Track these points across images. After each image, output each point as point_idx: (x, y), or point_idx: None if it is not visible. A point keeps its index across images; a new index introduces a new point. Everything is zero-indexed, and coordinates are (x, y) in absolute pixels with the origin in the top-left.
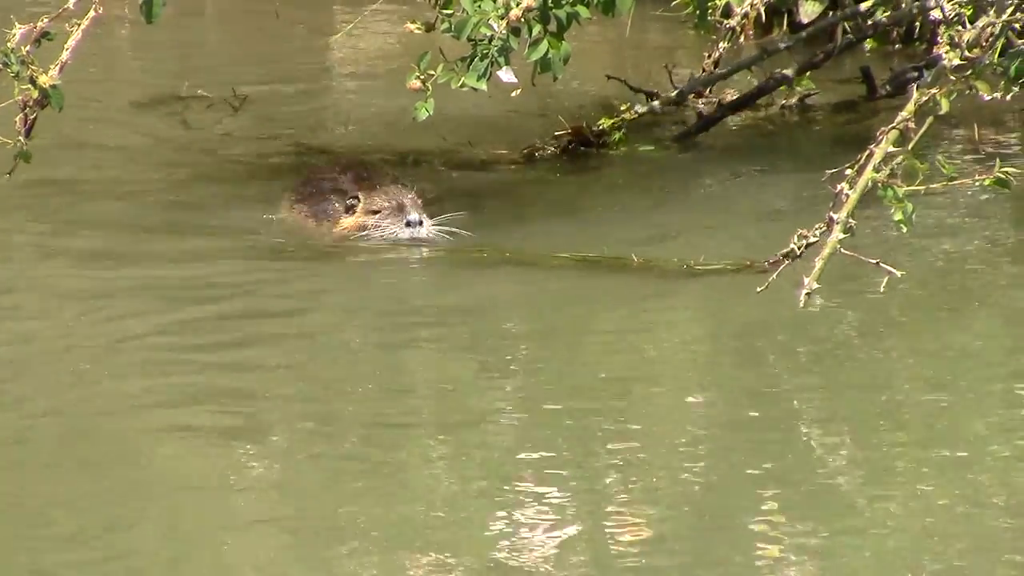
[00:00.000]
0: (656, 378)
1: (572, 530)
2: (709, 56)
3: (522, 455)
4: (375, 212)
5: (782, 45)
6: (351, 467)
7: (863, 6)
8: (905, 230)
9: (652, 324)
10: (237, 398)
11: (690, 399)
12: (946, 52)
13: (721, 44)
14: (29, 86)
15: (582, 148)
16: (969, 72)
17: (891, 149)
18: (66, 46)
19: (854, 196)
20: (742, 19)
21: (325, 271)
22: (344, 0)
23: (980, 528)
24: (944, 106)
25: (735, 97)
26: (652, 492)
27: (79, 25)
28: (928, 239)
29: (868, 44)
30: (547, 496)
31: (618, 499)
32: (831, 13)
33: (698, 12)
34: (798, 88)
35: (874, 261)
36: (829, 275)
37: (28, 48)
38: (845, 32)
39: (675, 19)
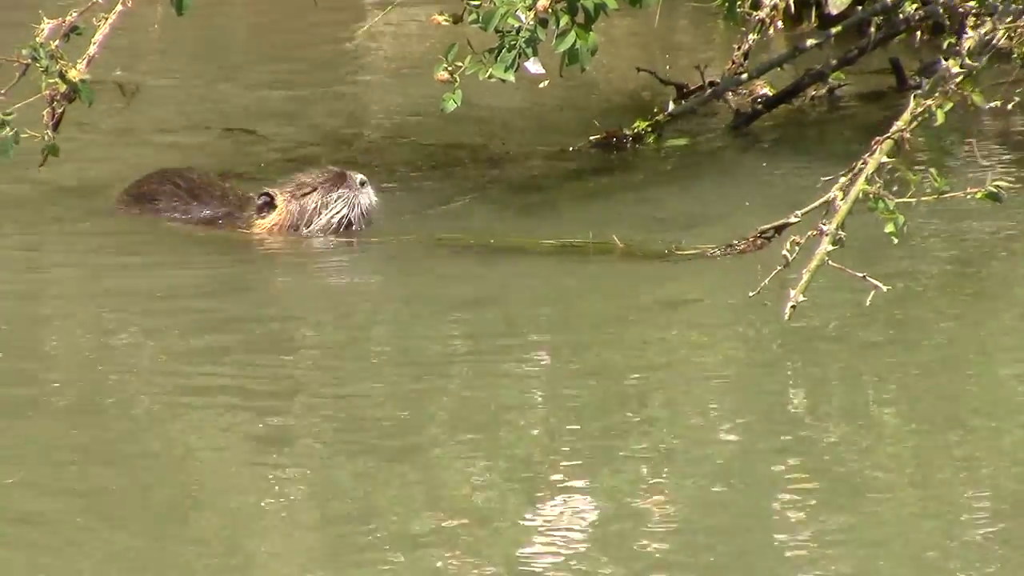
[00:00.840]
0: (679, 367)
1: (601, 527)
2: (739, 48)
3: (550, 447)
4: (309, 192)
5: (810, 43)
6: (379, 456)
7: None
8: (896, 242)
9: (667, 310)
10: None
11: (717, 393)
12: (947, 60)
13: (750, 36)
14: (57, 80)
15: (615, 144)
16: (961, 79)
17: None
18: (93, 40)
19: (844, 208)
20: (771, 11)
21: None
22: None
23: (1014, 528)
24: (939, 117)
25: (766, 90)
26: (680, 482)
27: (107, 19)
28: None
29: None
30: (574, 490)
31: (644, 487)
32: (860, 6)
33: (727, 4)
34: (828, 79)
35: (860, 275)
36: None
37: (57, 43)
38: (878, 28)
39: (704, 10)
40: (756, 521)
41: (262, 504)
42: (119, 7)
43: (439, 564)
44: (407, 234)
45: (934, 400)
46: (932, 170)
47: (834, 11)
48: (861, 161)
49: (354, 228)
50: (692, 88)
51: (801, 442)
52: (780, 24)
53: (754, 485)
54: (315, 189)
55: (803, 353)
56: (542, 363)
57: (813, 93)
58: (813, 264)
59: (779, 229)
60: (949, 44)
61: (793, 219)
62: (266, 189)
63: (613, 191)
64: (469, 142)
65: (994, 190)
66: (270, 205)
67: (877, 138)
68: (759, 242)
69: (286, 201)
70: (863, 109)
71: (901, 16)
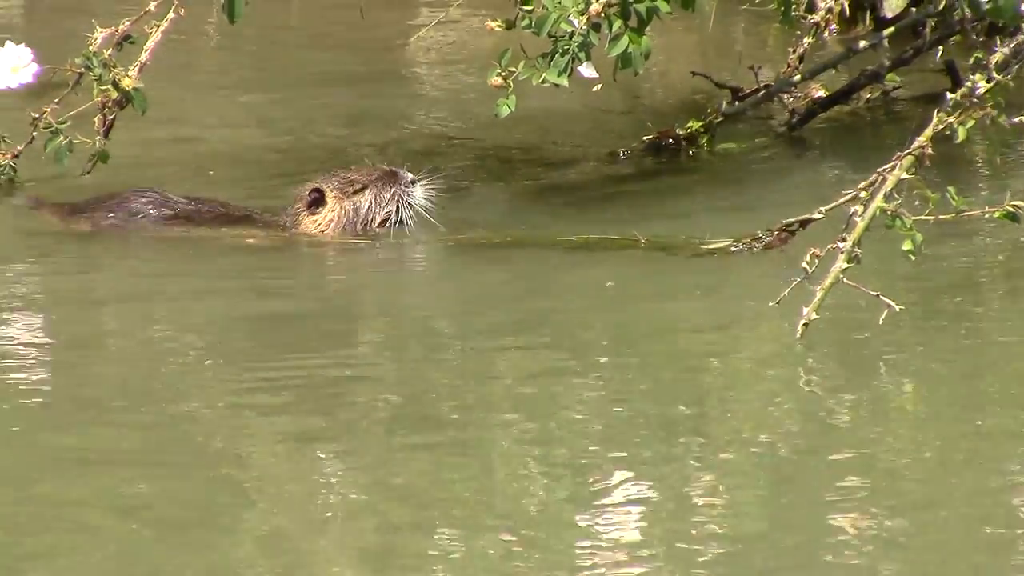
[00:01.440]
0: (730, 364)
1: (653, 524)
2: (793, 51)
3: (604, 445)
4: (360, 190)
5: (863, 44)
6: (435, 458)
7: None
8: (913, 259)
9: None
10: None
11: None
12: (973, 75)
13: (805, 39)
14: (109, 87)
15: (669, 145)
16: (988, 90)
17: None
18: (145, 47)
19: (861, 225)
20: (826, 14)
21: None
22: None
23: None
24: (961, 134)
25: (820, 92)
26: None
27: (158, 27)
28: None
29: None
30: (632, 494)
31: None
32: (914, 8)
33: (782, 7)
34: (883, 80)
35: (875, 293)
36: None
37: (110, 51)
38: (933, 29)
39: (759, 14)
40: (815, 533)
41: (316, 502)
42: (171, 15)
43: (494, 565)
44: (441, 236)
45: (1004, 409)
46: (950, 188)
47: (889, 14)
48: (880, 177)
49: (406, 228)
50: (747, 92)
51: (862, 454)
52: (835, 27)
53: (813, 497)
54: (366, 187)
55: (858, 361)
56: (597, 369)
57: (868, 96)
58: (827, 282)
59: (804, 223)
60: (976, 59)
61: (817, 215)
62: (313, 184)
63: (663, 192)
64: (521, 144)
65: (1011, 209)
66: (320, 201)
67: (898, 153)
68: (783, 236)
69: (336, 198)
70: (918, 111)
71: (956, 17)
